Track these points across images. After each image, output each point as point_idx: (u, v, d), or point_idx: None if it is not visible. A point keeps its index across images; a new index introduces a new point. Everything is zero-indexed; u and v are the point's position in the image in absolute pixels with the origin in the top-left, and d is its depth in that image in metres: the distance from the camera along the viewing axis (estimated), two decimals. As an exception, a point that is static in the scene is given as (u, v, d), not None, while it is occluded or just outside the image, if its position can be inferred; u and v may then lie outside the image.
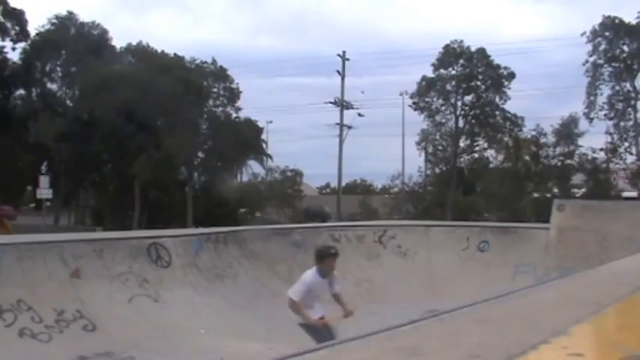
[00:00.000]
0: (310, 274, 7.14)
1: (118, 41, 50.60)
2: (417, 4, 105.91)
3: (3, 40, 44.77)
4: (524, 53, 65.44)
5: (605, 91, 40.51)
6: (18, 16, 44.79)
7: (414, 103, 44.22)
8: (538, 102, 71.48)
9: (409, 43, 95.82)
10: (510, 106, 42.94)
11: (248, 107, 61.81)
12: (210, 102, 45.48)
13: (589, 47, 39.67)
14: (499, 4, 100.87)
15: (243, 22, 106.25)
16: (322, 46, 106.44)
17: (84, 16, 47.98)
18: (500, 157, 44.17)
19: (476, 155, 44.99)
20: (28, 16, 45.16)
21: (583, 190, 39.68)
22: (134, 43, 48.32)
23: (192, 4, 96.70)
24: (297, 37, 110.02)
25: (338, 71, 46.94)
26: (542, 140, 42.17)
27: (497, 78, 42.31)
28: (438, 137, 44.65)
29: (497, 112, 42.95)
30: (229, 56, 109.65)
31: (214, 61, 45.00)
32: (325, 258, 7.22)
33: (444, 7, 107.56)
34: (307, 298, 7.05)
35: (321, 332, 6.80)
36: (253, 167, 49.08)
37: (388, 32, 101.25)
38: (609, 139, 40.31)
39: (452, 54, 42.63)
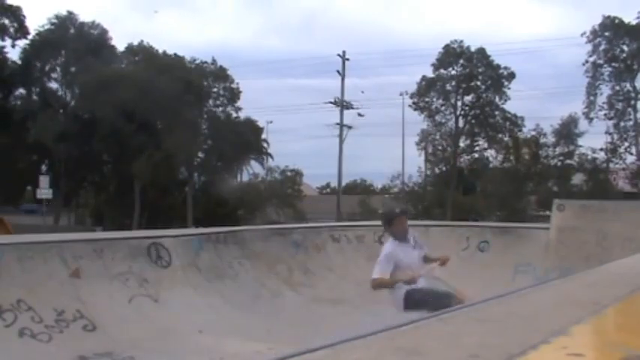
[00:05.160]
0: None
1: (126, 42, 50.52)
2: (424, 5, 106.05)
3: (3, 40, 44.77)
4: (530, 53, 65.60)
5: (605, 91, 40.57)
6: (15, 13, 44.74)
7: (414, 103, 44.23)
8: (540, 102, 71.53)
9: (415, 43, 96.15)
10: (512, 106, 42.95)
11: (249, 107, 61.92)
12: (210, 102, 45.50)
13: (589, 47, 39.77)
14: (506, 4, 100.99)
15: (252, 24, 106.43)
16: (329, 47, 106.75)
17: (92, 18, 48.13)
18: (500, 157, 44.19)
19: (476, 155, 44.99)
20: (28, 14, 45.33)
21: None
22: (135, 43, 48.40)
23: (201, 6, 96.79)
24: (304, 38, 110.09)
25: (338, 71, 46.93)
26: (542, 140, 42.20)
27: (497, 78, 42.32)
28: (437, 137, 44.65)
29: (497, 112, 42.95)
30: (236, 57, 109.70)
31: (214, 61, 45.06)
32: None
33: (451, 8, 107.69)
34: None
35: None
36: (253, 167, 49.17)
37: (394, 33, 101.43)
38: (609, 139, 40.37)
39: (452, 54, 42.63)
